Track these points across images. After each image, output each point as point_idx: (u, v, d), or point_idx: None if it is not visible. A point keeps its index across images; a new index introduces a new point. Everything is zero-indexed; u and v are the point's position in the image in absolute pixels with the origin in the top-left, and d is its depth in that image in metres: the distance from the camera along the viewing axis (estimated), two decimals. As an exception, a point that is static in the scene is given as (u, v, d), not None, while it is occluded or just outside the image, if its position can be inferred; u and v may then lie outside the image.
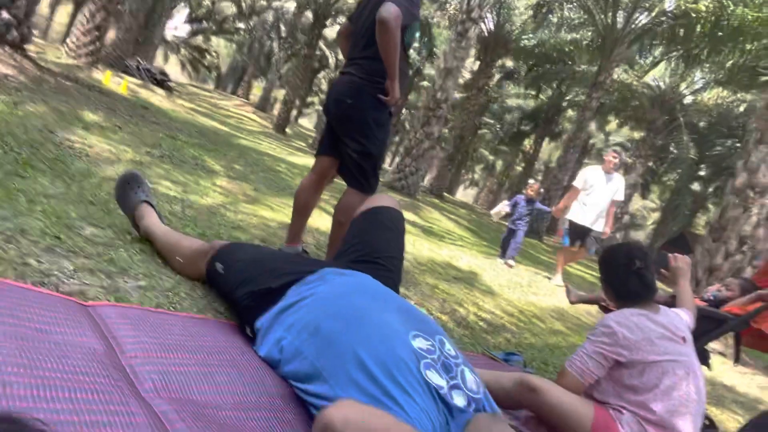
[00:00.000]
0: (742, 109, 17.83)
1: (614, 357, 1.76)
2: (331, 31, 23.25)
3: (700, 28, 13.77)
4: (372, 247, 1.77)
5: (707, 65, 16.13)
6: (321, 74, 32.98)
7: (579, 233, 6.12)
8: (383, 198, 1.99)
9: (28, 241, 1.64)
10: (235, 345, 1.46)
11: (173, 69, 30.92)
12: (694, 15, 13.44)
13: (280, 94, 33.10)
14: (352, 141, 2.46)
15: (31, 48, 6.48)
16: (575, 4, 15.75)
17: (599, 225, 6.01)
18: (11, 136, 2.87)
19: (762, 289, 2.75)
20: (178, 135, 5.73)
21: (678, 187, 20.79)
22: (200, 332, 1.46)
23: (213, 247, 1.82)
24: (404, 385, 1.10)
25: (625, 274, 1.92)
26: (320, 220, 4.05)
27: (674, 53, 16.23)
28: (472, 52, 16.20)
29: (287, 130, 21.16)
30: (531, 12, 16.89)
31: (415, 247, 5.10)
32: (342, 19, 19.83)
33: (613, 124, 25.11)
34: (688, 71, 17.11)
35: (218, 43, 37.54)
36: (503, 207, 6.97)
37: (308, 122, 45.36)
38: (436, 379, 1.15)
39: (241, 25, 31.00)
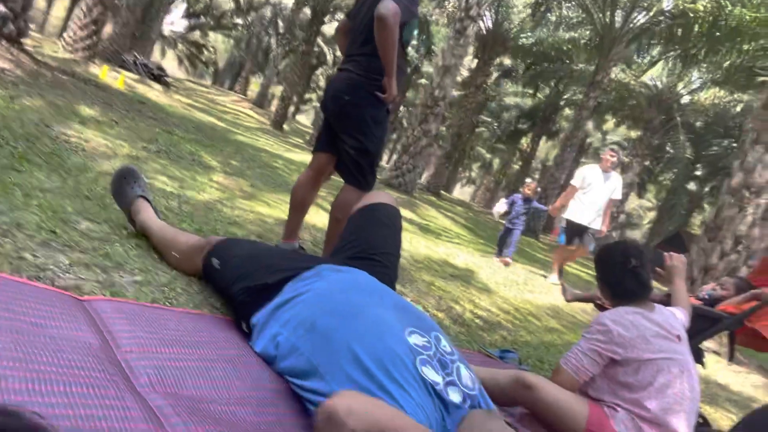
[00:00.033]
0: (738, 109, 17.89)
1: (609, 355, 1.77)
2: (329, 28, 23.21)
3: (698, 27, 13.80)
4: (369, 244, 1.77)
5: (704, 65, 16.18)
6: (319, 71, 32.93)
7: (577, 232, 6.14)
8: (380, 195, 1.99)
9: (23, 235, 1.64)
10: (230, 340, 1.46)
11: (170, 64, 30.82)
12: (692, 15, 13.47)
13: (277, 90, 33.03)
14: (350, 138, 2.46)
15: (27, 42, 6.45)
16: (574, 2, 15.77)
17: (597, 223, 6.03)
18: (7, 129, 2.85)
19: (757, 288, 2.76)
20: (174, 130, 5.71)
21: (674, 187, 20.87)
22: (196, 327, 1.46)
23: (209, 242, 1.82)
24: (400, 381, 1.11)
25: (621, 273, 1.93)
26: (317, 217, 4.05)
27: (672, 53, 16.27)
28: (471, 50, 16.18)
29: (284, 126, 21.12)
30: (529, 10, 16.90)
31: (412, 244, 5.11)
32: (340, 16, 19.80)
33: (610, 123, 25.16)
34: (686, 71, 17.16)
35: (216, 39, 37.42)
36: (502, 205, 6.98)
37: (306, 119, 45.30)
38: (432, 375, 1.16)
39: (239, 21, 30.91)
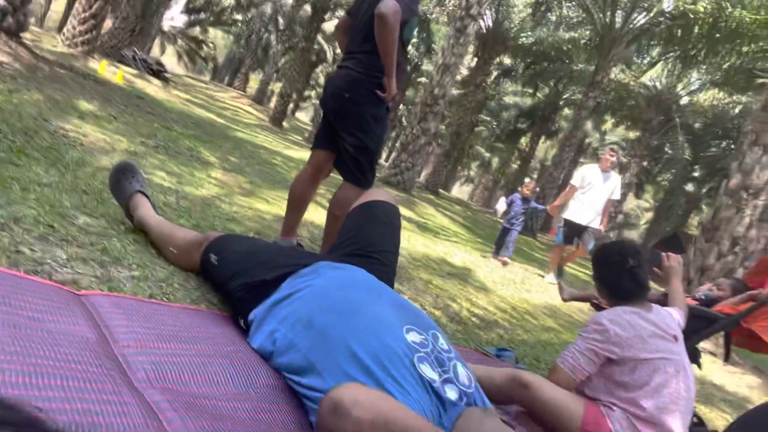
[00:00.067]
0: (737, 110, 17.93)
1: (606, 354, 1.78)
2: (329, 25, 23.16)
3: (698, 29, 13.82)
4: (367, 241, 1.77)
5: (704, 66, 16.20)
6: (318, 68, 32.89)
7: (575, 231, 6.14)
8: (379, 192, 1.99)
9: (21, 229, 1.64)
10: (228, 336, 1.46)
11: (170, 60, 30.76)
12: (692, 16, 13.48)
13: (277, 87, 32.95)
14: (349, 135, 2.46)
15: (26, 36, 6.42)
16: (574, 2, 15.77)
17: (596, 223, 6.03)
18: (5, 123, 2.85)
19: (753, 289, 2.77)
20: (173, 126, 5.70)
21: (672, 188, 20.91)
22: (193, 323, 1.46)
23: (207, 238, 1.81)
24: (397, 378, 1.11)
25: (618, 273, 1.94)
26: (315, 214, 4.05)
27: (671, 54, 16.29)
28: (471, 48, 16.18)
29: (284, 123, 21.10)
30: (530, 10, 16.90)
31: (410, 242, 5.11)
32: (340, 13, 19.76)
33: (609, 123, 25.20)
34: (685, 72, 17.18)
35: (215, 35, 37.33)
36: (503, 204, 6.99)
37: (305, 116, 45.23)
38: (429, 372, 1.16)
39: (239, 17, 30.82)
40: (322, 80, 34.64)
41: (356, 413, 0.90)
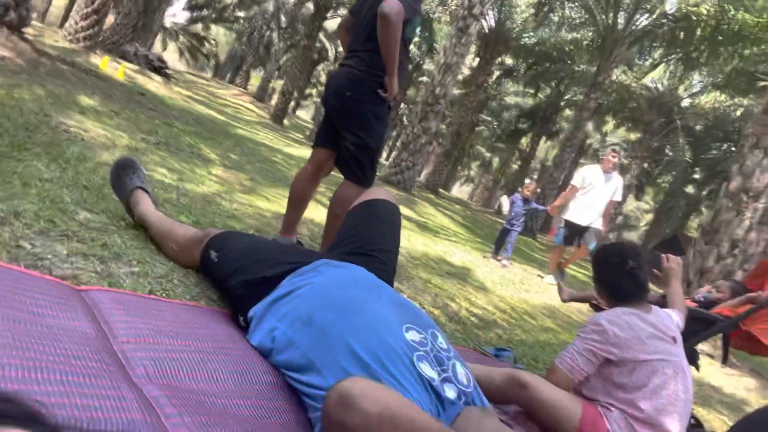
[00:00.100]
0: (738, 113, 17.93)
1: (604, 355, 1.78)
2: (331, 23, 23.14)
3: (701, 31, 13.81)
4: (367, 240, 1.77)
5: (706, 69, 16.19)
6: (320, 66, 32.85)
7: (576, 232, 6.13)
8: (380, 191, 1.99)
9: (21, 224, 1.64)
10: (227, 333, 1.46)
11: (171, 56, 30.70)
12: (694, 18, 13.48)
13: (278, 84, 32.95)
14: (351, 134, 2.46)
15: (29, 31, 6.42)
16: (577, 3, 15.75)
17: (597, 224, 6.01)
18: (7, 118, 2.85)
19: (752, 291, 2.78)
20: (174, 122, 5.70)
21: (672, 190, 20.90)
22: (193, 319, 1.46)
23: (207, 234, 1.81)
24: (397, 376, 1.11)
25: (618, 274, 1.94)
26: (315, 212, 4.05)
27: (673, 56, 16.29)
28: (472, 48, 16.20)
29: (284, 121, 21.09)
30: (532, 10, 16.88)
31: (410, 241, 5.11)
32: (342, 11, 19.73)
33: (610, 124, 25.18)
34: (687, 74, 17.18)
35: (217, 32, 37.27)
36: (508, 203, 6.97)
37: (306, 114, 45.22)
38: (428, 371, 1.16)
39: (241, 14, 30.79)
40: (323, 78, 34.61)
41: (364, 405, 0.90)
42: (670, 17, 14.40)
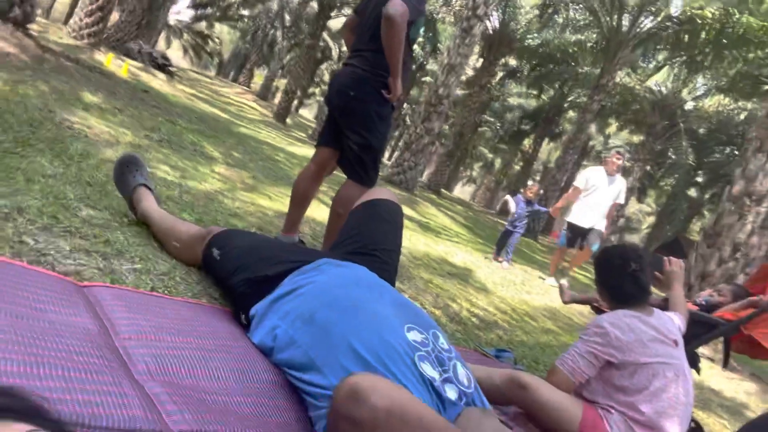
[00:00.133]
0: (742, 117, 17.89)
1: (606, 357, 1.78)
2: (335, 23, 23.14)
3: (705, 34, 13.78)
4: (370, 239, 1.77)
5: (710, 72, 16.16)
6: (324, 65, 32.85)
7: (578, 234, 6.11)
8: (382, 191, 1.99)
9: (25, 219, 1.64)
10: (229, 331, 1.46)
11: (175, 54, 30.76)
12: (699, 21, 13.45)
13: (281, 83, 32.97)
14: (354, 133, 2.46)
15: (33, 27, 6.43)
16: (581, 5, 15.73)
17: (600, 226, 5.98)
18: (11, 114, 2.86)
19: (754, 295, 2.77)
20: (177, 120, 5.71)
21: (674, 192, 20.87)
22: (194, 317, 1.46)
23: (210, 232, 1.82)
24: (398, 375, 1.11)
25: (620, 276, 1.93)
26: (317, 211, 4.06)
27: (678, 59, 16.26)
28: (476, 49, 16.17)
29: (287, 119, 21.10)
30: (537, 11, 16.86)
31: (411, 241, 5.11)
32: (346, 11, 19.75)
33: (613, 127, 25.14)
34: (691, 77, 17.15)
35: (221, 30, 37.33)
36: (513, 203, 6.96)
37: (309, 113, 45.24)
38: (430, 371, 1.16)
39: (246, 13, 30.82)
40: (326, 77, 34.62)
41: (374, 399, 0.90)
42: (675, 20, 14.37)
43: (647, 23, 14.79)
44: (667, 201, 23.09)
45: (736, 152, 17.99)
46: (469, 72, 19.35)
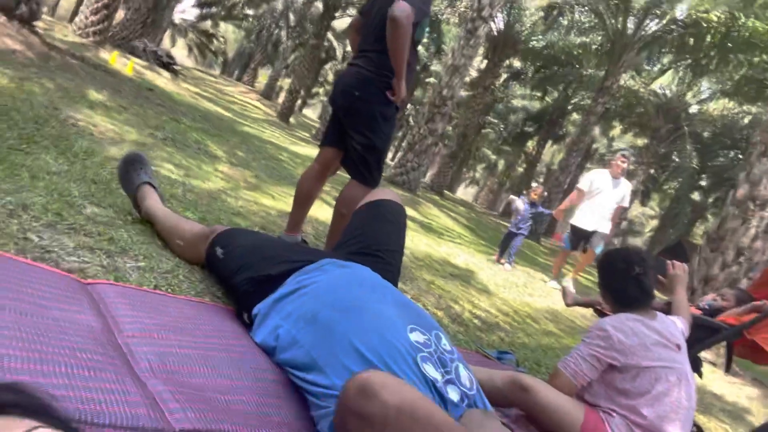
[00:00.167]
0: (746, 121, 17.84)
1: (608, 361, 1.77)
2: (339, 23, 23.16)
3: (710, 38, 13.75)
4: (373, 240, 1.77)
5: (715, 76, 16.13)
6: (328, 65, 32.88)
7: (581, 237, 6.09)
8: (386, 192, 1.99)
9: (29, 216, 1.65)
10: (231, 330, 1.47)
11: (180, 52, 30.83)
12: (704, 25, 13.42)
13: (285, 83, 33.00)
14: (358, 134, 2.46)
15: (39, 24, 6.45)
16: (586, 7, 15.71)
17: (603, 228, 5.94)
18: (17, 111, 2.87)
19: (757, 300, 2.76)
20: (181, 118, 5.72)
21: (678, 196, 20.81)
22: (197, 315, 1.46)
23: (213, 231, 1.82)
24: (401, 376, 1.11)
25: (624, 279, 1.93)
26: (320, 211, 4.06)
27: (683, 62, 16.23)
28: (481, 50, 16.16)
29: (291, 119, 21.12)
30: (542, 13, 16.84)
31: (414, 242, 5.11)
32: (351, 11, 19.76)
33: (617, 129, 25.10)
34: (696, 81, 17.11)
35: (226, 29, 37.41)
36: (521, 202, 6.94)
37: (312, 113, 45.27)
38: (432, 372, 1.16)
39: (250, 12, 30.88)
40: (330, 77, 34.66)
41: (384, 395, 0.90)
42: (680, 23, 14.34)
43: (652, 26, 14.77)
44: (671, 204, 23.03)
45: (741, 156, 17.94)
46: (473, 73, 19.34)
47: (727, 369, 3.01)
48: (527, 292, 5.47)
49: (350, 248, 1.76)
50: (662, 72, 18.00)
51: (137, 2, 12.12)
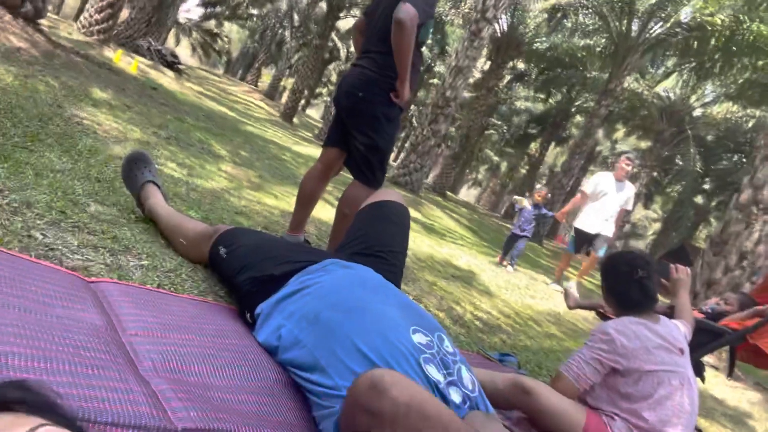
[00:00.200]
0: (750, 124, 17.81)
1: (611, 364, 1.77)
2: (343, 23, 23.20)
3: (715, 41, 13.73)
4: (376, 241, 1.77)
5: (719, 79, 16.09)
6: (331, 65, 32.93)
7: (585, 240, 6.08)
8: (390, 193, 1.99)
9: (33, 214, 1.65)
10: (234, 329, 1.47)
11: (184, 52, 30.90)
12: (709, 28, 13.40)
13: (289, 82, 33.04)
14: (361, 134, 2.46)
15: (44, 22, 6.47)
16: (590, 10, 15.69)
17: (607, 231, 5.93)
18: (21, 109, 2.87)
19: (760, 304, 2.76)
20: (185, 118, 5.73)
21: (681, 199, 20.79)
22: (200, 314, 1.46)
23: (216, 230, 1.82)
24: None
25: (627, 283, 1.92)
26: (323, 211, 4.06)
27: (687, 65, 16.20)
28: (484, 52, 16.16)
29: (294, 119, 21.14)
30: (546, 15, 16.83)
31: (416, 243, 5.11)
32: (356, 11, 19.77)
33: (620, 132, 25.07)
34: (700, 84, 17.07)
35: (230, 29, 37.48)
36: (527, 201, 6.94)
37: (315, 113, 45.32)
38: (435, 373, 1.16)
39: (255, 12, 30.93)
40: (334, 78, 34.69)
41: (395, 393, 0.90)
42: (685, 26, 14.31)
43: (657, 29, 14.73)
44: (674, 208, 23.00)
45: (744, 160, 17.92)
46: (477, 75, 19.35)
47: (730, 373, 3.01)
48: (529, 294, 5.47)
49: (353, 249, 1.76)
50: (666, 75, 17.99)
51: (142, 1, 12.16)
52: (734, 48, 13.42)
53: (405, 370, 1.12)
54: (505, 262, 6.73)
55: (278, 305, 1.45)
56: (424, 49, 2.58)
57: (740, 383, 5.40)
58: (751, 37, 12.66)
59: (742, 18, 12.65)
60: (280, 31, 30.24)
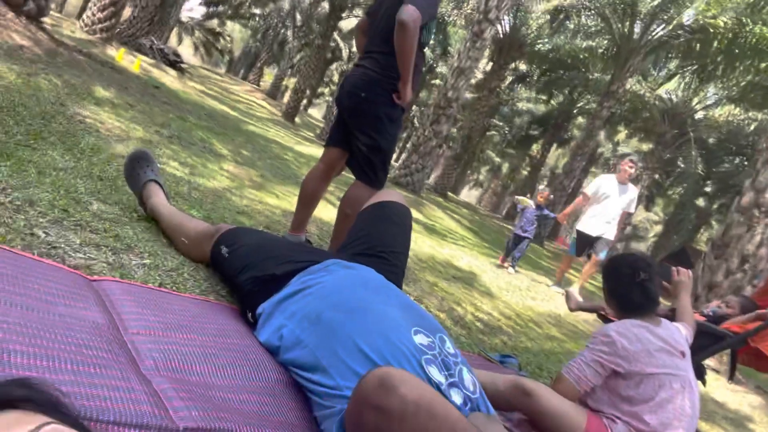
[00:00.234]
0: (752, 127, 17.79)
1: (612, 367, 1.77)
2: (346, 23, 23.19)
3: (717, 43, 13.71)
4: (378, 242, 1.77)
5: (721, 82, 16.07)
6: (333, 65, 32.91)
7: (587, 243, 6.07)
8: (392, 193, 1.99)
9: (36, 212, 1.65)
10: (235, 329, 1.47)
11: (186, 51, 30.91)
12: (711, 30, 13.38)
13: (291, 82, 33.07)
14: (363, 135, 2.46)
15: (46, 21, 6.48)
16: (593, 11, 15.68)
17: (609, 234, 5.92)
18: (24, 107, 2.88)
19: (762, 308, 2.75)
20: (187, 116, 5.74)
21: (683, 202, 20.76)
22: (202, 314, 1.46)
23: (218, 230, 1.82)
24: (406, 378, 1.11)
25: (629, 285, 1.92)
26: (324, 211, 4.06)
27: (689, 67, 16.18)
28: (486, 53, 16.16)
29: (296, 119, 21.15)
30: (548, 17, 16.82)
31: (417, 244, 5.11)
32: (358, 11, 19.78)
33: (622, 134, 25.06)
34: (702, 86, 17.05)
35: (233, 28, 37.49)
36: (530, 201, 6.94)
37: (317, 112, 45.33)
38: (436, 374, 1.16)
39: (257, 11, 30.94)
40: (336, 78, 34.70)
41: (403, 390, 0.90)
42: (687, 29, 14.30)
43: (659, 31, 14.72)
44: (675, 210, 22.98)
45: (746, 163, 17.89)
46: (479, 75, 19.34)
47: (731, 377, 3.00)
48: (530, 295, 5.47)
49: (355, 249, 1.76)
50: (668, 77, 17.97)
51: (144, 0, 12.17)
52: (737, 50, 13.39)
53: (407, 371, 1.12)
54: (506, 264, 6.73)
55: (280, 305, 1.45)
56: (426, 49, 2.58)
57: (741, 387, 5.39)
58: (754, 40, 12.65)
59: (744, 20, 12.63)
60: (282, 31, 30.24)
